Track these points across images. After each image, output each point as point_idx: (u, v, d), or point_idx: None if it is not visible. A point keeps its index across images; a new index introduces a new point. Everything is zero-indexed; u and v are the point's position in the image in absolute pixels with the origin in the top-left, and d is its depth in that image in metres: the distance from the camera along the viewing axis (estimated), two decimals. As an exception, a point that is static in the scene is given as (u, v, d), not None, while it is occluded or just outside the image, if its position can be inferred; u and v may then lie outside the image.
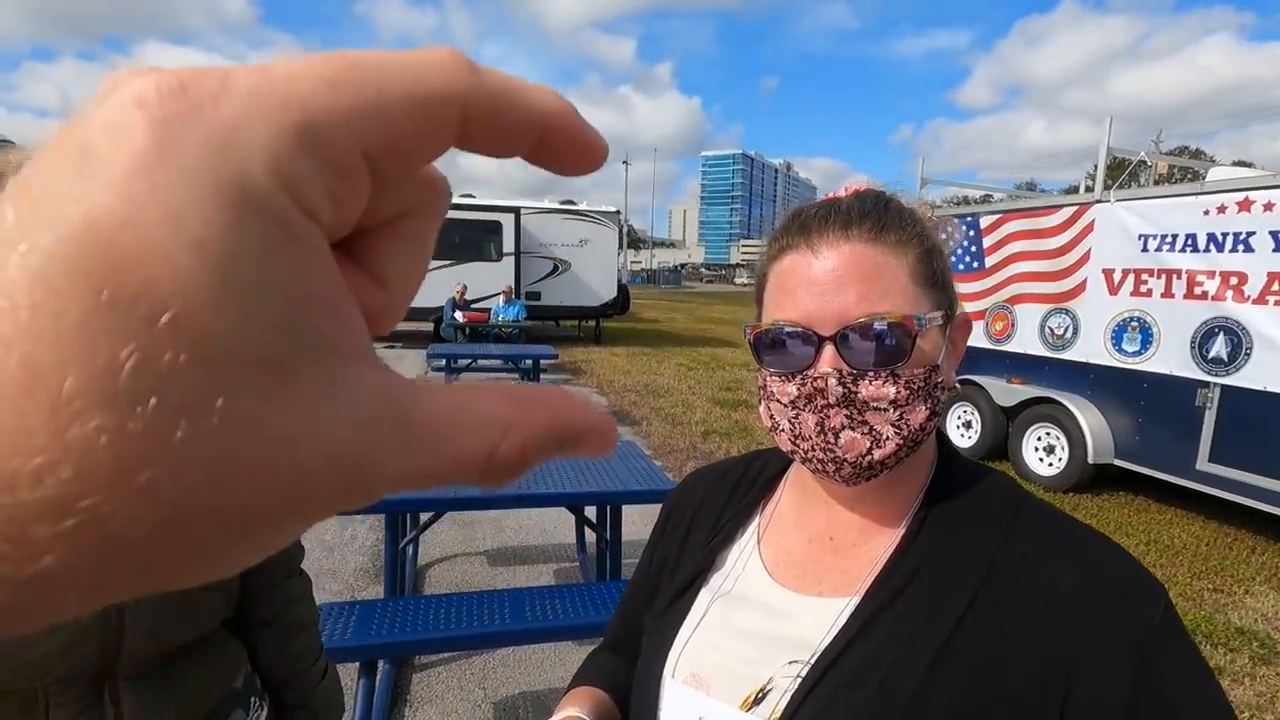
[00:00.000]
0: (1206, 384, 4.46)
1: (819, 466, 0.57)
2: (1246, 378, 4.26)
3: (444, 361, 6.87)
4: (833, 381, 0.54)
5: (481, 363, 7.89)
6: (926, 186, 7.11)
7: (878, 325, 0.53)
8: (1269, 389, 4.14)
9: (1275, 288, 4.13)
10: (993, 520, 0.57)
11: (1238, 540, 4.46)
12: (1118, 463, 5.05)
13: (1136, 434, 4.94)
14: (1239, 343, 4.30)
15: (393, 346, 12.67)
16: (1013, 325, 5.92)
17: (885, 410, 0.54)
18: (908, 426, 0.55)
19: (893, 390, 0.54)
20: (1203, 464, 4.50)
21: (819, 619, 0.58)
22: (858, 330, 0.53)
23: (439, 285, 12.29)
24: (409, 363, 10.78)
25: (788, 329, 0.56)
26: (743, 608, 0.63)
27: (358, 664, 2.10)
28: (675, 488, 0.83)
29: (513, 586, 3.23)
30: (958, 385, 6.22)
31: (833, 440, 0.55)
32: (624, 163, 59.43)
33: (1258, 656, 3.06)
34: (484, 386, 0.15)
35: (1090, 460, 5.05)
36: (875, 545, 0.60)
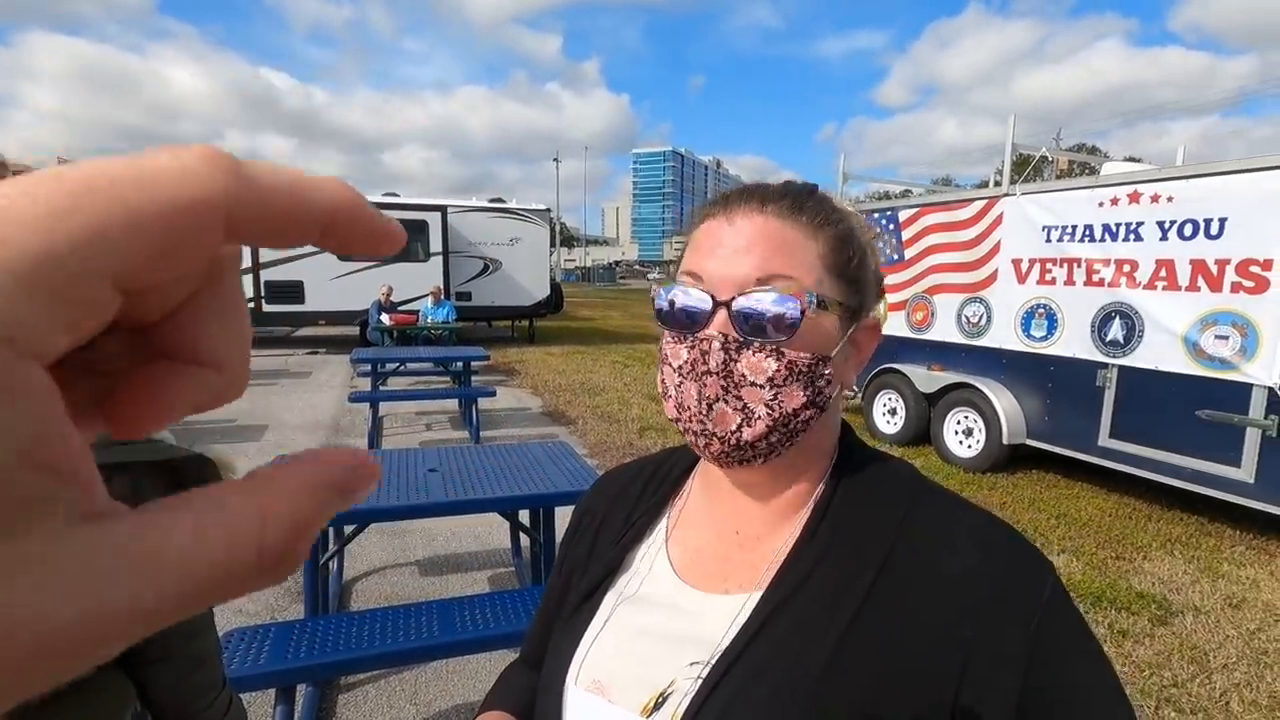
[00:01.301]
0: (1106, 365, 4.77)
1: (694, 440, 0.58)
2: (1140, 358, 4.58)
3: (369, 367, 6.61)
4: (716, 344, 0.54)
5: (410, 366, 7.65)
6: (848, 182, 7.33)
7: (770, 290, 0.53)
8: (1159, 368, 4.46)
9: (1162, 274, 4.44)
10: (891, 508, 0.58)
11: (1137, 510, 4.79)
12: (1030, 442, 5.34)
13: (1045, 414, 5.24)
14: (1132, 326, 4.61)
15: (315, 352, 12.15)
16: (932, 314, 6.17)
17: (761, 387, 0.54)
18: (780, 409, 0.54)
19: (773, 366, 0.54)
20: (1104, 440, 4.81)
21: (722, 617, 0.57)
22: (751, 295, 0.53)
23: (363, 287, 11.86)
24: (333, 368, 10.36)
25: (690, 287, 0.56)
26: (648, 609, 0.62)
27: (274, 690, 1.98)
28: (587, 491, 0.81)
29: (446, 596, 3.14)
30: (856, 390, 6.44)
31: (705, 412, 0.55)
32: (555, 160, 58.94)
33: (1155, 618, 3.29)
34: (226, 485, 0.14)
35: (1005, 441, 5.32)
36: (778, 537, 0.60)
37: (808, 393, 0.55)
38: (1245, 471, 4.06)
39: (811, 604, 0.54)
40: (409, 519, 3.13)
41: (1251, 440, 4.02)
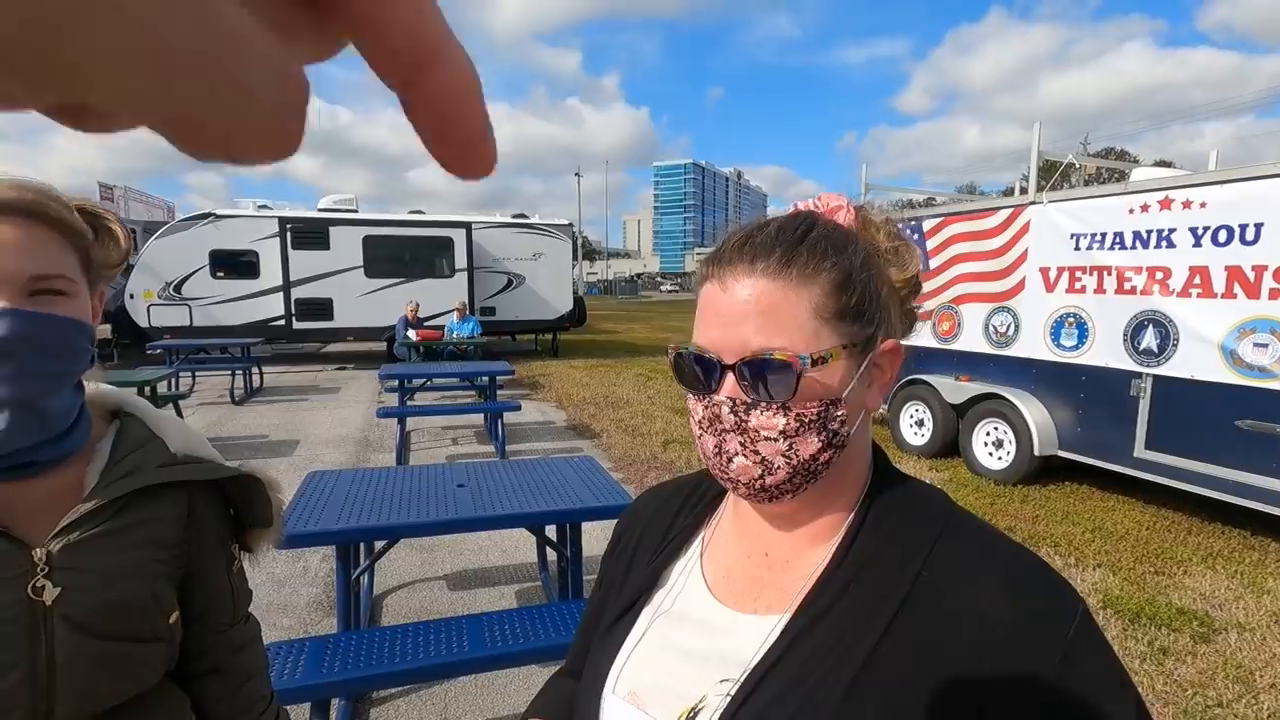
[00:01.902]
0: (1139, 374, 4.67)
1: (722, 482, 0.61)
2: (1175, 367, 4.48)
3: (397, 382, 6.72)
4: (725, 409, 0.58)
5: (436, 381, 7.75)
6: (870, 193, 7.30)
7: (766, 361, 0.55)
8: (1195, 377, 4.36)
9: (1196, 281, 4.35)
10: (920, 537, 0.58)
11: (1175, 523, 4.67)
12: (1061, 454, 5.23)
13: (1077, 425, 5.14)
14: (1167, 334, 4.52)
15: (344, 368, 12.37)
16: (959, 325, 6.10)
17: (775, 440, 0.57)
18: (798, 456, 0.57)
19: (782, 422, 0.56)
20: (1140, 451, 4.69)
21: (753, 636, 0.59)
22: (750, 364, 0.56)
23: (390, 304, 12.07)
24: (361, 383, 10.53)
25: (697, 354, 0.59)
26: (682, 625, 0.64)
27: (310, 704, 2.02)
28: (627, 507, 0.84)
29: (474, 611, 3.17)
30: (884, 410, 6.35)
31: (726, 464, 0.59)
32: (576, 175, 59.46)
33: (1198, 635, 3.19)
34: None
35: (1036, 453, 5.22)
36: (809, 561, 0.61)
37: (822, 437, 0.57)
38: (1289, 483, 3.93)
39: (836, 630, 0.55)
40: (439, 534, 3.17)
41: (1295, 451, 3.90)
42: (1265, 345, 4.02)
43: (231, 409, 8.48)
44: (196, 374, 10.15)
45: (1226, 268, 4.18)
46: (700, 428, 0.61)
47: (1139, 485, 4.98)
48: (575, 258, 15.12)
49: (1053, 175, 7.14)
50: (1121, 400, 4.77)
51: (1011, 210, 5.58)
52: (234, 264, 12.05)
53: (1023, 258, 5.49)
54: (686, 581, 0.67)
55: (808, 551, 0.62)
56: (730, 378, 0.57)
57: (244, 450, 6.24)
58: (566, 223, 14.56)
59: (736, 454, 0.58)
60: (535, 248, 13.94)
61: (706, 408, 0.59)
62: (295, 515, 2.40)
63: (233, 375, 9.27)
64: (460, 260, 12.94)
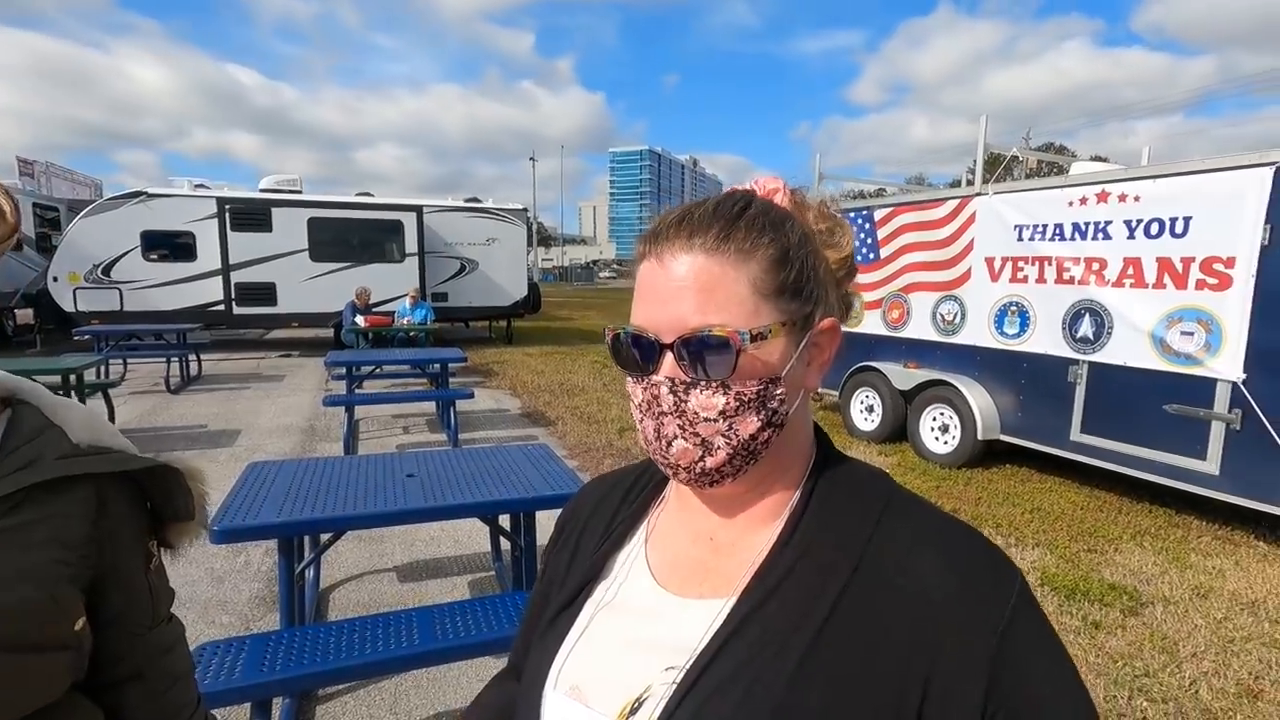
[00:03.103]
0: (1076, 361, 4.86)
1: (663, 469, 0.60)
2: (1109, 354, 4.68)
3: (345, 369, 6.51)
4: (664, 389, 0.56)
5: (386, 368, 7.54)
6: (823, 182, 7.39)
7: (705, 338, 0.54)
8: (1128, 364, 4.56)
9: (1129, 271, 4.54)
10: (863, 516, 0.58)
11: (1107, 503, 4.90)
12: (1003, 438, 5.43)
13: (1019, 410, 5.33)
14: (1102, 323, 4.71)
15: (288, 355, 11.95)
16: (908, 313, 6.24)
17: (715, 420, 0.56)
18: (737, 437, 0.56)
19: (721, 401, 0.55)
20: (1076, 435, 4.90)
21: (698, 622, 0.58)
22: (689, 341, 0.54)
23: (337, 288, 11.70)
24: (307, 371, 10.19)
25: (635, 334, 0.58)
26: (626, 615, 0.63)
27: (250, 705, 1.93)
28: (570, 500, 0.81)
29: (425, 603, 3.10)
30: (820, 391, 6.46)
31: (666, 448, 0.57)
32: (530, 159, 58.44)
33: (1127, 609, 3.36)
34: None
35: (980, 437, 5.40)
36: (754, 544, 0.60)
37: (761, 416, 0.56)
38: (1210, 464, 4.16)
39: (783, 610, 0.54)
40: (387, 526, 3.09)
41: (1216, 434, 4.13)
42: (1191, 333, 4.22)
43: (166, 398, 8.10)
44: (128, 361, 9.66)
45: (1157, 259, 4.38)
46: (640, 411, 0.59)
47: (1075, 467, 5.20)
48: (530, 243, 14.92)
49: (997, 168, 7.35)
50: (1060, 386, 4.97)
51: (958, 201, 5.72)
52: (168, 246, 11.48)
53: (969, 248, 5.64)
54: (630, 571, 0.66)
55: (752, 534, 0.61)
56: (669, 357, 0.56)
57: (181, 440, 5.96)
58: (521, 207, 14.34)
59: (676, 437, 0.57)
60: (489, 233, 13.70)
61: (645, 389, 0.58)
62: (235, 508, 2.29)
63: (168, 363, 8.85)
64: (411, 244, 12.62)
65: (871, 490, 0.61)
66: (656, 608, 0.61)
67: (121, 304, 11.23)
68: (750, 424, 0.56)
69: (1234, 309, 4.01)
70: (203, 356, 10.04)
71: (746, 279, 0.55)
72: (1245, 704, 2.64)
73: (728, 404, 0.55)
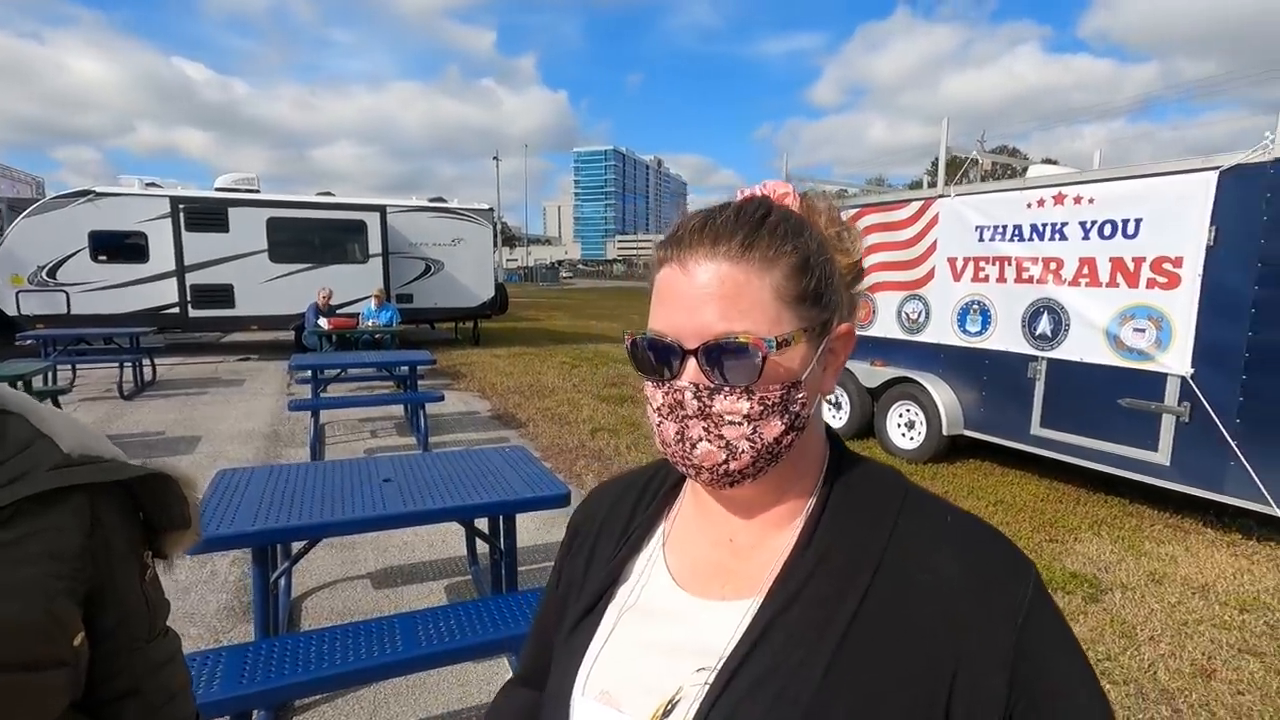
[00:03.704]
0: (1035, 358, 5.03)
1: (684, 470, 0.60)
2: (1066, 351, 4.85)
3: (310, 373, 6.36)
4: (689, 395, 0.56)
5: (351, 372, 7.39)
6: (791, 183, 7.48)
7: (731, 344, 0.54)
8: (1084, 360, 4.73)
9: (1085, 271, 4.71)
10: (881, 515, 0.59)
11: (1066, 495, 5.07)
12: (967, 433, 5.58)
13: (982, 406, 5.49)
14: (1059, 320, 4.88)
15: (247, 359, 11.63)
16: (874, 312, 6.37)
17: (739, 424, 0.56)
18: (761, 440, 0.57)
19: (746, 405, 0.56)
20: (1036, 429, 5.07)
21: (724, 624, 0.58)
22: (714, 348, 0.55)
23: (298, 290, 11.43)
24: (268, 375, 9.93)
25: (657, 339, 0.58)
26: (650, 618, 0.63)
27: (228, 718, 1.89)
28: (580, 503, 0.81)
29: (400, 609, 3.06)
30: (844, 398, 6.53)
31: (689, 450, 0.58)
32: (494, 158, 57.92)
33: (1088, 596, 3.49)
34: None
35: (945, 432, 5.54)
36: (774, 546, 0.61)
37: (785, 420, 0.57)
38: (1162, 455, 4.35)
39: (810, 610, 0.55)
40: (366, 532, 3.03)
41: (1167, 426, 4.31)
42: (1143, 330, 4.41)
43: (120, 404, 7.81)
44: (77, 367, 9.29)
45: (1111, 259, 4.55)
46: (660, 415, 0.59)
47: (1036, 461, 5.37)
48: (495, 243, 14.77)
49: (957, 172, 7.55)
50: (1020, 382, 5.13)
51: (922, 202, 5.87)
52: (118, 247, 11.06)
53: (932, 248, 5.79)
54: (651, 574, 0.66)
55: (772, 536, 0.62)
56: (692, 362, 0.56)
57: (138, 448, 5.76)
58: (487, 207, 14.21)
59: (700, 439, 0.57)
60: (454, 233, 13.53)
61: (667, 394, 0.58)
62: (205, 517, 2.23)
63: (120, 368, 8.53)
64: (374, 245, 12.40)
65: (886, 489, 0.62)
66: (680, 610, 0.62)
67: (69, 307, 10.78)
68: (774, 427, 0.57)
69: (1182, 307, 4.20)
70: (157, 361, 9.71)
71: (770, 286, 0.55)
72: (1200, 683, 2.77)
73: (752, 408, 0.56)
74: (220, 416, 7.22)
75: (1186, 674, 2.83)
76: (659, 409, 0.59)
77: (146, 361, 9.09)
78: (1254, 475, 3.91)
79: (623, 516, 0.73)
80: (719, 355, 0.55)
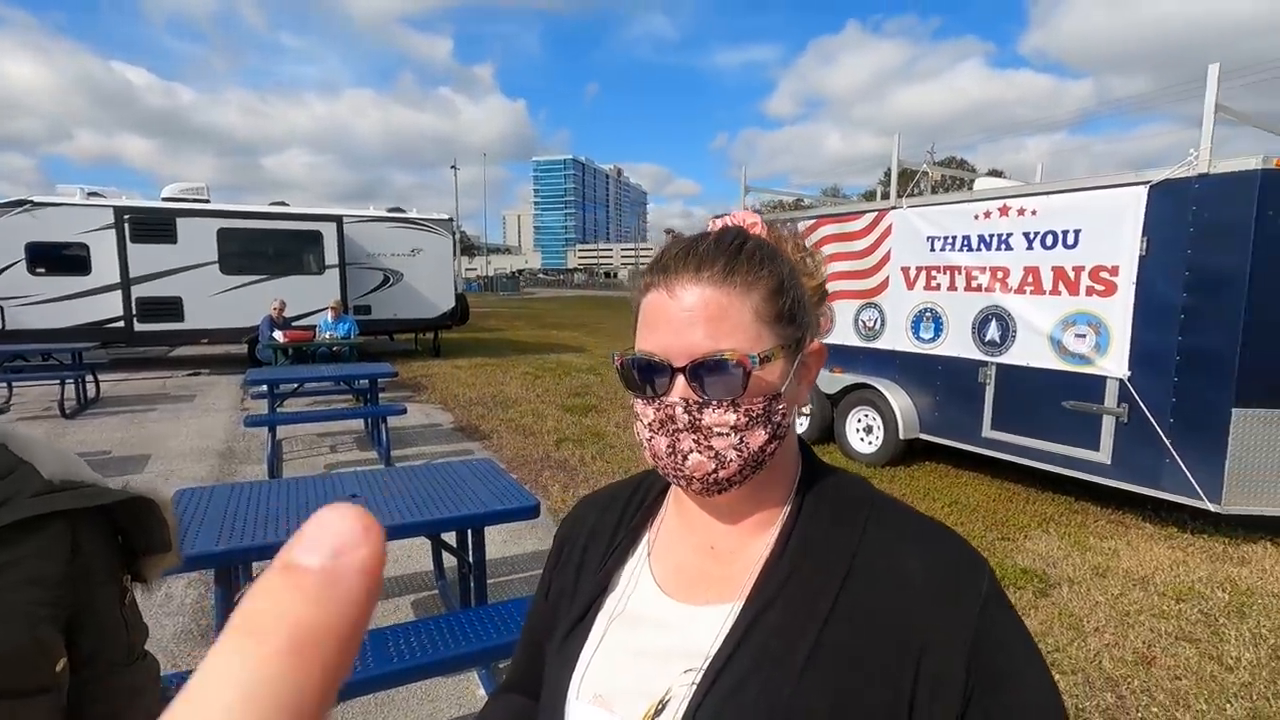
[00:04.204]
0: (985, 363, 5.23)
1: (675, 480, 0.65)
2: (1014, 356, 5.06)
3: (266, 387, 6.20)
4: (679, 410, 0.61)
5: (308, 386, 7.23)
6: (749, 194, 7.63)
7: (717, 361, 0.59)
8: (1030, 364, 4.95)
9: (1029, 280, 4.93)
10: (851, 521, 0.64)
11: (1016, 494, 5.28)
12: (923, 436, 5.76)
13: (936, 410, 5.67)
14: (1007, 327, 5.09)
15: (197, 373, 11.26)
16: (831, 320, 6.49)
17: (727, 435, 0.61)
18: (748, 449, 0.61)
19: (733, 417, 0.61)
20: (986, 431, 5.27)
21: (709, 626, 0.62)
22: (703, 365, 0.60)
23: (251, 302, 11.13)
24: (220, 390, 9.64)
25: (647, 359, 0.62)
26: (637, 625, 0.66)
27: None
28: (566, 517, 0.85)
29: (368, 627, 3.02)
30: (811, 403, 6.67)
31: (681, 461, 0.62)
32: (453, 167, 57.38)
33: (1038, 590, 3.65)
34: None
35: (901, 436, 5.71)
36: (752, 551, 0.65)
37: (768, 429, 0.62)
38: (1104, 454, 4.57)
39: (788, 612, 0.60)
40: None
41: (1108, 426, 4.54)
42: (1084, 336, 4.63)
43: (61, 423, 7.49)
44: (13, 384, 8.86)
45: (1053, 268, 4.78)
46: (651, 430, 0.64)
47: (987, 462, 5.58)
48: (455, 253, 14.64)
49: (908, 183, 7.80)
50: (971, 386, 5.33)
51: (876, 214, 6.06)
52: (58, 259, 10.61)
53: (886, 258, 5.97)
54: (637, 583, 0.70)
55: (751, 541, 0.66)
56: (681, 380, 0.61)
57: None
58: (446, 217, 14.07)
59: (691, 451, 0.61)
60: (413, 243, 13.36)
61: (658, 410, 0.62)
62: (165, 539, 2.18)
63: (61, 385, 8.17)
64: (331, 256, 12.15)
65: (855, 497, 0.67)
66: (667, 616, 0.66)
67: (3, 322, 10.29)
68: (759, 437, 0.62)
69: (1119, 313, 4.43)
70: (101, 377, 9.33)
71: (750, 307, 0.61)
72: (1141, 671, 2.92)
73: (739, 420, 0.61)
74: (170, 434, 6.99)
75: (1129, 662, 2.98)
76: (650, 424, 0.63)
77: (89, 378, 8.73)
78: (1187, 471, 4.15)
79: (609, 527, 0.76)
80: (706, 372, 0.60)
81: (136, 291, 10.91)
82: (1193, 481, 4.12)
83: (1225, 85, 4.02)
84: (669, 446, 0.63)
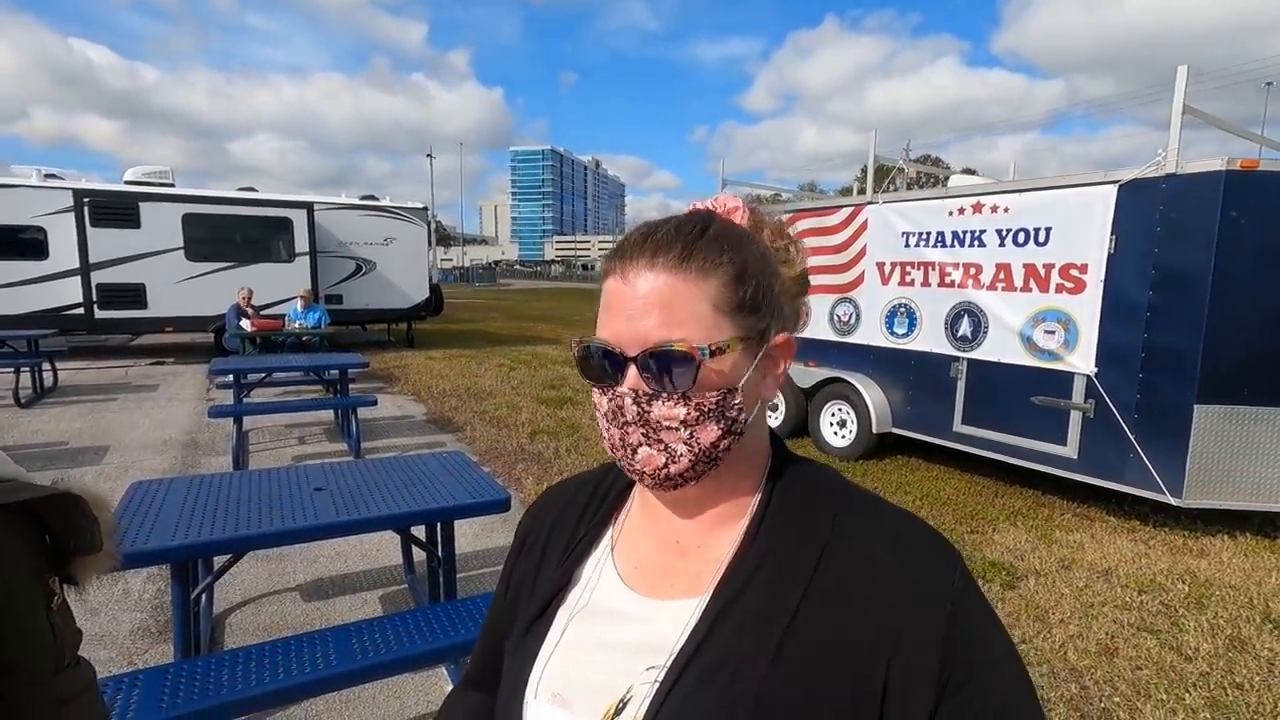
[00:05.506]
0: (957, 358, 5.29)
1: (629, 473, 0.63)
2: (985, 352, 5.12)
3: (232, 377, 6.04)
4: (628, 400, 0.59)
5: (276, 376, 7.06)
6: (727, 188, 7.62)
7: (666, 351, 0.57)
8: (1001, 360, 5.01)
9: (1001, 276, 4.99)
10: (821, 513, 0.62)
11: (986, 488, 5.36)
12: (895, 430, 5.82)
13: (908, 405, 5.73)
14: (978, 323, 5.15)
15: (161, 362, 10.97)
16: (807, 314, 6.54)
17: (676, 429, 0.59)
18: (698, 444, 0.59)
19: (683, 411, 0.58)
20: (958, 426, 5.33)
21: (673, 622, 0.60)
22: (651, 355, 0.57)
23: (217, 290, 10.87)
24: (185, 379, 9.40)
25: (599, 347, 0.60)
26: (599, 620, 0.64)
27: (147, 745, 1.78)
28: (529, 508, 0.82)
29: (332, 623, 2.96)
30: (780, 399, 6.69)
31: (631, 455, 0.60)
32: (428, 155, 56.49)
33: (1006, 583, 3.70)
34: None
35: (875, 430, 5.76)
36: (719, 545, 0.63)
37: (721, 425, 0.59)
38: (1070, 449, 4.65)
39: (754, 606, 0.57)
40: (297, 543, 2.92)
41: (1075, 421, 4.62)
42: (1053, 332, 4.70)
43: (15, 413, 7.24)
44: (-35, 372, 8.54)
45: (1024, 265, 4.84)
46: (606, 420, 0.61)
47: (958, 456, 5.65)
48: (430, 243, 14.42)
49: (884, 179, 7.86)
50: (943, 381, 5.39)
51: (852, 209, 6.08)
52: (12, 242, 10.25)
53: (862, 253, 6.01)
54: (600, 577, 0.67)
55: (717, 536, 0.64)
56: (633, 369, 0.58)
57: (37, 460, 5.35)
58: (421, 206, 13.86)
59: (640, 444, 0.59)
60: (387, 232, 13.15)
61: (610, 400, 0.60)
62: (119, 532, 2.10)
63: (16, 373, 7.89)
64: (301, 243, 11.90)
65: (825, 489, 0.65)
66: (629, 611, 0.63)
67: (-45, 308, 9.91)
68: (711, 432, 0.59)
69: (1087, 310, 4.50)
70: (59, 365, 9.04)
71: (706, 296, 0.58)
72: (1104, 661, 2.98)
73: (688, 414, 0.58)
74: (131, 424, 6.79)
75: (1093, 653, 3.04)
76: (605, 414, 0.61)
77: (47, 366, 8.45)
78: (1150, 466, 4.24)
79: (572, 520, 0.74)
80: (656, 362, 0.57)
81: (97, 277, 10.58)
82: (1155, 476, 4.22)
83: (1191, 89, 4.09)
84: (620, 439, 0.61)
